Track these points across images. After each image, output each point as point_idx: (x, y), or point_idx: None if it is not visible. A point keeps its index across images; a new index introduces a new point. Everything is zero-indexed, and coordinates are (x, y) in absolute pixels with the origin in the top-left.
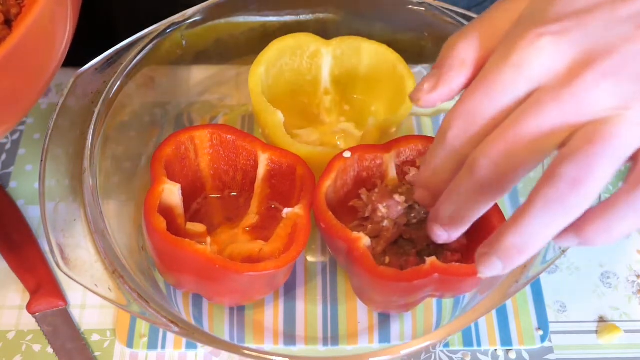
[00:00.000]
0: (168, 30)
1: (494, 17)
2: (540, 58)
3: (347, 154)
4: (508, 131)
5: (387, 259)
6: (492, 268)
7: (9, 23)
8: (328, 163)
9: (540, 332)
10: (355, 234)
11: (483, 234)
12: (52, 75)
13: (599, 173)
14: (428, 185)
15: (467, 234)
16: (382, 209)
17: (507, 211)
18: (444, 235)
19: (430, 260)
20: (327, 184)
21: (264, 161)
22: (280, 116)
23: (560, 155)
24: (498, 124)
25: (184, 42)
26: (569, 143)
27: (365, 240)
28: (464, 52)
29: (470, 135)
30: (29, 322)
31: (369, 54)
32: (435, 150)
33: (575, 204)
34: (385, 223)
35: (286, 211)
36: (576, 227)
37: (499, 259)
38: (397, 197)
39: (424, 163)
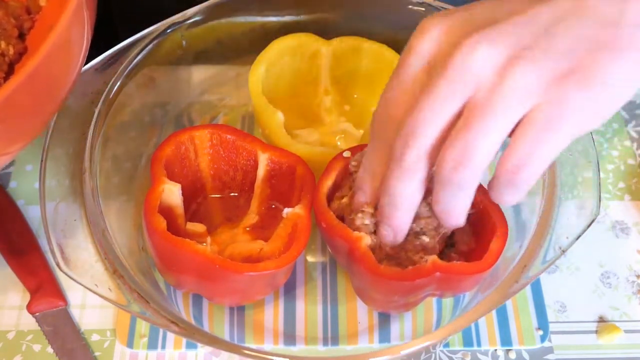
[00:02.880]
0: (168, 30)
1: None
2: (428, 36)
3: (347, 154)
4: (412, 109)
5: (388, 248)
6: (445, 223)
7: (22, 37)
8: (328, 163)
9: (540, 332)
10: (356, 233)
11: (487, 236)
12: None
13: (478, 152)
14: (367, 184)
15: (474, 236)
16: (357, 220)
17: (509, 217)
18: (389, 233)
19: (432, 259)
20: (328, 184)
21: (263, 161)
22: (280, 116)
23: (445, 144)
24: (409, 109)
25: (184, 42)
26: (456, 125)
27: (366, 240)
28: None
29: (390, 123)
30: (29, 322)
31: (369, 54)
32: (372, 143)
33: (462, 182)
34: (367, 221)
35: (286, 211)
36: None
37: (443, 219)
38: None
39: (362, 165)
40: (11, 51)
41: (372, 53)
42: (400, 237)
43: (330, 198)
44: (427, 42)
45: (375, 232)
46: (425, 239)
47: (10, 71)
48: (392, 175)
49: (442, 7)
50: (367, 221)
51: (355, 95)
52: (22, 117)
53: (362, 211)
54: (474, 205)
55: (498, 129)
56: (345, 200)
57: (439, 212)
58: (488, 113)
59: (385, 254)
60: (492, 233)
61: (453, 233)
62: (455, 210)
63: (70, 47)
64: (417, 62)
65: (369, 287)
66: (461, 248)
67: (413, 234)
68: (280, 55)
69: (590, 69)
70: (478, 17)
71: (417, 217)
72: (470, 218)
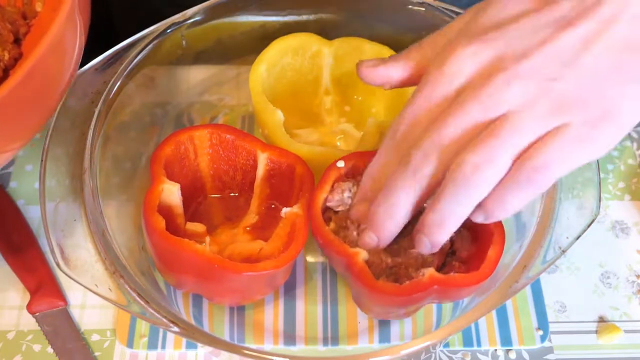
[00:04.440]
0: (168, 30)
1: (444, 32)
2: (464, 65)
3: (341, 164)
4: (436, 125)
5: (389, 260)
6: (422, 245)
7: (18, 42)
8: (323, 173)
9: (540, 332)
10: (353, 249)
11: (485, 242)
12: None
13: (496, 160)
14: (369, 196)
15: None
16: (353, 232)
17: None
18: (373, 241)
19: (429, 272)
20: (323, 196)
21: (263, 160)
22: (280, 115)
23: (468, 145)
24: (432, 125)
25: (184, 42)
26: (478, 136)
27: (363, 255)
28: (412, 54)
29: (410, 137)
30: (29, 322)
31: (370, 55)
32: (380, 156)
33: (477, 185)
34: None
35: (285, 210)
36: (480, 203)
37: (425, 236)
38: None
39: (364, 176)
40: (6, 56)
41: (374, 54)
42: (383, 246)
43: (325, 208)
44: (462, 70)
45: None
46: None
47: (5, 76)
48: (395, 185)
49: (442, 7)
50: (357, 232)
51: (356, 97)
52: (16, 119)
53: (353, 222)
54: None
55: (519, 144)
56: (340, 211)
57: (430, 223)
58: (516, 129)
59: (384, 267)
60: (490, 239)
61: (453, 241)
62: (450, 222)
63: (63, 50)
64: (448, 86)
65: (367, 300)
66: (461, 255)
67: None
68: (281, 55)
69: (614, 103)
70: (513, 47)
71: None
72: (467, 225)
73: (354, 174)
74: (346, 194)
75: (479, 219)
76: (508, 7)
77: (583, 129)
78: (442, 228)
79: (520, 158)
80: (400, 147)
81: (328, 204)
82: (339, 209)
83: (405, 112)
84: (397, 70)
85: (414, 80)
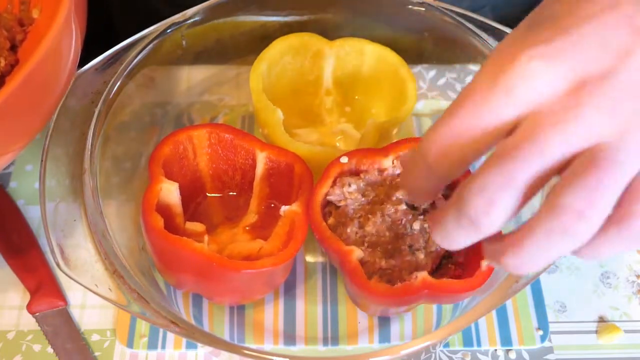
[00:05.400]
0: (168, 30)
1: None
2: (533, 83)
3: (344, 159)
4: (502, 160)
5: (383, 262)
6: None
7: (14, 49)
8: (325, 169)
9: (540, 332)
10: (347, 247)
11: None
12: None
13: (602, 203)
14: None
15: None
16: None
17: None
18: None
19: (422, 275)
20: (323, 191)
21: (262, 160)
22: (279, 114)
23: (562, 183)
24: (481, 149)
25: (184, 42)
26: (570, 171)
27: (357, 253)
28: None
29: (451, 158)
30: (29, 322)
31: (372, 56)
32: (413, 170)
33: (579, 233)
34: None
35: (284, 209)
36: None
37: (499, 264)
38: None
39: (402, 175)
40: (2, 63)
41: (375, 55)
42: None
43: (326, 203)
44: (532, 90)
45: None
46: (420, 255)
47: (1, 83)
48: (452, 228)
49: (442, 7)
50: (355, 229)
51: (357, 97)
52: (13, 124)
53: (352, 219)
54: None
55: (622, 184)
56: (341, 207)
57: (509, 264)
58: (618, 165)
59: (377, 268)
60: None
61: None
62: (536, 267)
63: (60, 55)
64: (508, 112)
65: (361, 298)
66: (458, 260)
67: (408, 250)
68: (283, 54)
69: None
70: (589, 62)
71: (415, 235)
72: None
73: (357, 171)
74: (346, 189)
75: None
76: (572, 8)
77: None
78: (519, 271)
79: (623, 206)
80: (440, 173)
81: (329, 197)
82: (340, 203)
83: (446, 127)
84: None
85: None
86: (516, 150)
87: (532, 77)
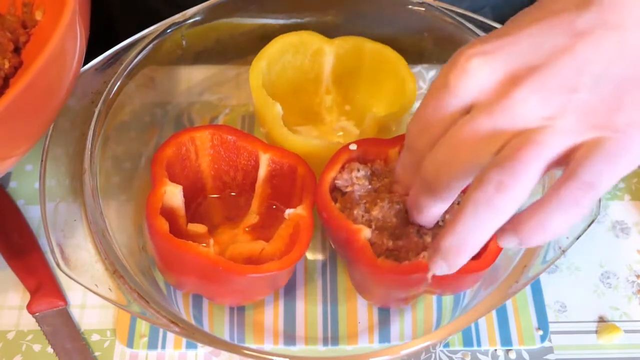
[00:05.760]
0: (168, 30)
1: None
2: (471, 78)
3: (353, 147)
4: (449, 141)
5: (390, 243)
6: (439, 268)
7: (18, 51)
8: (334, 154)
9: (540, 332)
10: (356, 225)
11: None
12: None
13: (523, 177)
14: (401, 181)
15: None
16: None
17: None
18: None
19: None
20: (331, 175)
21: (265, 161)
22: (278, 109)
23: (491, 163)
24: (445, 128)
25: (184, 42)
26: (500, 152)
27: (365, 232)
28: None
29: (424, 139)
30: (29, 322)
31: (371, 55)
32: (403, 152)
33: (502, 206)
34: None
35: (288, 212)
36: (514, 226)
37: (442, 259)
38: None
39: (397, 162)
40: (6, 65)
41: (375, 54)
42: (431, 223)
43: (332, 188)
44: (470, 85)
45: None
46: (428, 238)
47: (5, 85)
48: (418, 204)
49: (442, 7)
50: (362, 213)
51: (357, 96)
52: (18, 127)
53: (358, 204)
54: None
55: (547, 160)
56: (347, 193)
57: (448, 247)
58: (542, 145)
59: (385, 249)
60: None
61: None
62: (469, 247)
63: (64, 58)
64: (455, 104)
65: (367, 281)
66: None
67: (416, 234)
68: (283, 52)
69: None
70: (524, 57)
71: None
72: None
73: (365, 160)
74: (355, 174)
75: (510, 244)
76: (519, 16)
77: (617, 140)
78: (460, 253)
79: (561, 178)
80: (413, 155)
81: (337, 182)
82: (347, 189)
83: (417, 115)
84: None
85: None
86: (457, 134)
87: (470, 74)
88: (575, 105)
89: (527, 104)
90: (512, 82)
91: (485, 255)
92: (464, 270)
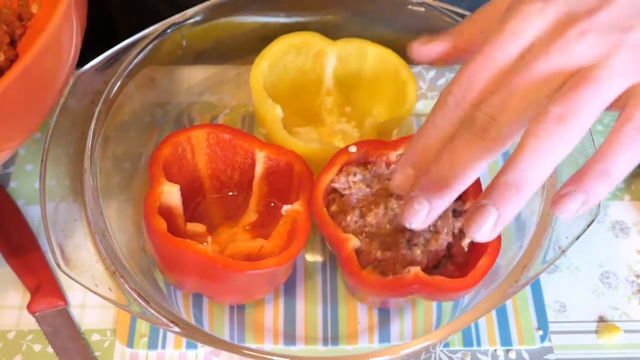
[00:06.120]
0: (168, 30)
1: (496, 3)
2: (530, 23)
3: (353, 149)
4: (503, 86)
5: (379, 254)
6: (485, 219)
7: (13, 44)
8: (332, 156)
9: (540, 332)
10: (344, 235)
11: (480, 250)
12: (60, 91)
13: (582, 111)
14: (416, 161)
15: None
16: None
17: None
18: (424, 207)
19: (415, 270)
20: (328, 178)
21: (261, 159)
22: (278, 110)
23: (550, 99)
24: (496, 86)
25: (184, 42)
26: (559, 90)
27: (353, 242)
28: (464, 26)
29: (469, 98)
30: (29, 322)
31: (374, 57)
32: (434, 119)
33: (563, 139)
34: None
35: (285, 208)
36: (576, 182)
37: (493, 205)
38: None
39: (413, 141)
40: (2, 57)
41: (377, 57)
42: (431, 220)
43: (330, 190)
44: (527, 27)
45: (363, 233)
46: (417, 250)
47: (0, 77)
48: (460, 147)
49: (442, 7)
50: (355, 219)
51: (358, 98)
52: (11, 118)
53: (354, 209)
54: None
55: (601, 96)
56: (345, 195)
57: (505, 187)
58: (597, 80)
59: (372, 259)
60: (485, 249)
61: (451, 245)
62: (530, 183)
63: (59, 50)
64: (513, 45)
65: (355, 287)
66: (458, 260)
67: (405, 244)
68: (284, 52)
69: None
70: (576, 4)
71: (416, 232)
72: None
73: (364, 162)
74: (351, 178)
75: (575, 204)
76: None
77: None
78: (520, 191)
79: (618, 122)
80: (457, 110)
81: (334, 184)
82: (345, 192)
83: (463, 74)
84: (447, 45)
85: (466, 54)
86: (514, 77)
87: (529, 17)
88: (631, 44)
89: (583, 42)
90: (568, 23)
91: (471, 275)
92: (447, 289)
